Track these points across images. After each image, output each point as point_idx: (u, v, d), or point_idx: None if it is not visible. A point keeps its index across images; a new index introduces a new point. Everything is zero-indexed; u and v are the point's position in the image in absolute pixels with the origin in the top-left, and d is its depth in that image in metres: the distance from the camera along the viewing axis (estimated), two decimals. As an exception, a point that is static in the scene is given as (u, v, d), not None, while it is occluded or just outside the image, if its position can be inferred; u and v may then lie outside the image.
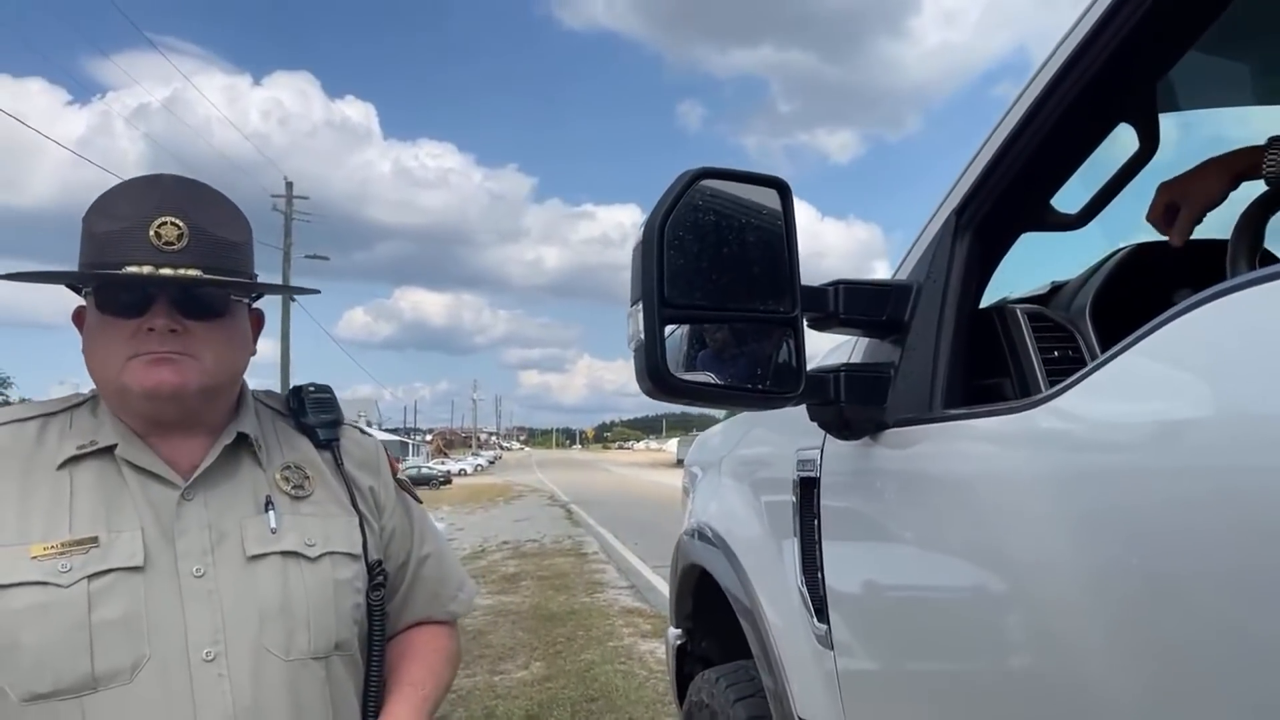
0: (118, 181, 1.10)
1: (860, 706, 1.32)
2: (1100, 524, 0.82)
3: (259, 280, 1.15)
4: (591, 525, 18.26)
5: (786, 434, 1.63)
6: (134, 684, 1.01)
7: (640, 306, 1.06)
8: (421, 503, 1.38)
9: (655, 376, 1.06)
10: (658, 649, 6.57)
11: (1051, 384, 1.17)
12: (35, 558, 1.01)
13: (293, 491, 1.17)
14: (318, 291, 1.24)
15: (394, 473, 1.32)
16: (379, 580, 1.20)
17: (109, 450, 1.09)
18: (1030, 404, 0.95)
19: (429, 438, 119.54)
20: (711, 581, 2.03)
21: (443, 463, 65.38)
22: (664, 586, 9.53)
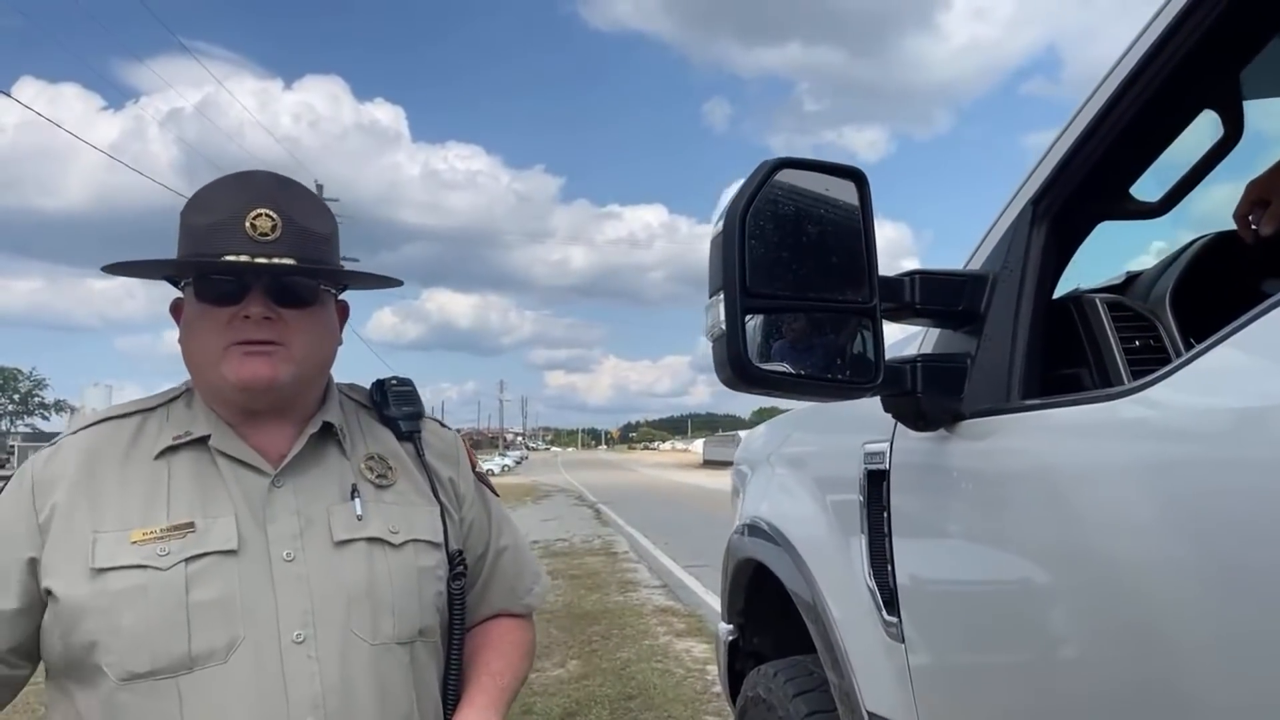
0: (211, 180, 1.14)
1: (934, 699, 1.31)
2: (1191, 516, 0.81)
3: (345, 270, 1.17)
4: (620, 525, 18.28)
5: (848, 428, 1.62)
6: (228, 664, 1.03)
7: (721, 296, 1.06)
8: (499, 496, 1.39)
9: (737, 366, 1.06)
10: (694, 648, 6.56)
11: (1135, 374, 1.16)
12: (135, 542, 1.05)
13: (376, 480, 1.19)
14: (400, 283, 1.26)
15: (472, 465, 1.33)
16: (459, 570, 1.22)
17: (203, 440, 1.12)
18: (1118, 394, 0.94)
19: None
20: (764, 577, 2.03)
21: (470, 463, 65.68)
22: (697, 586, 9.53)
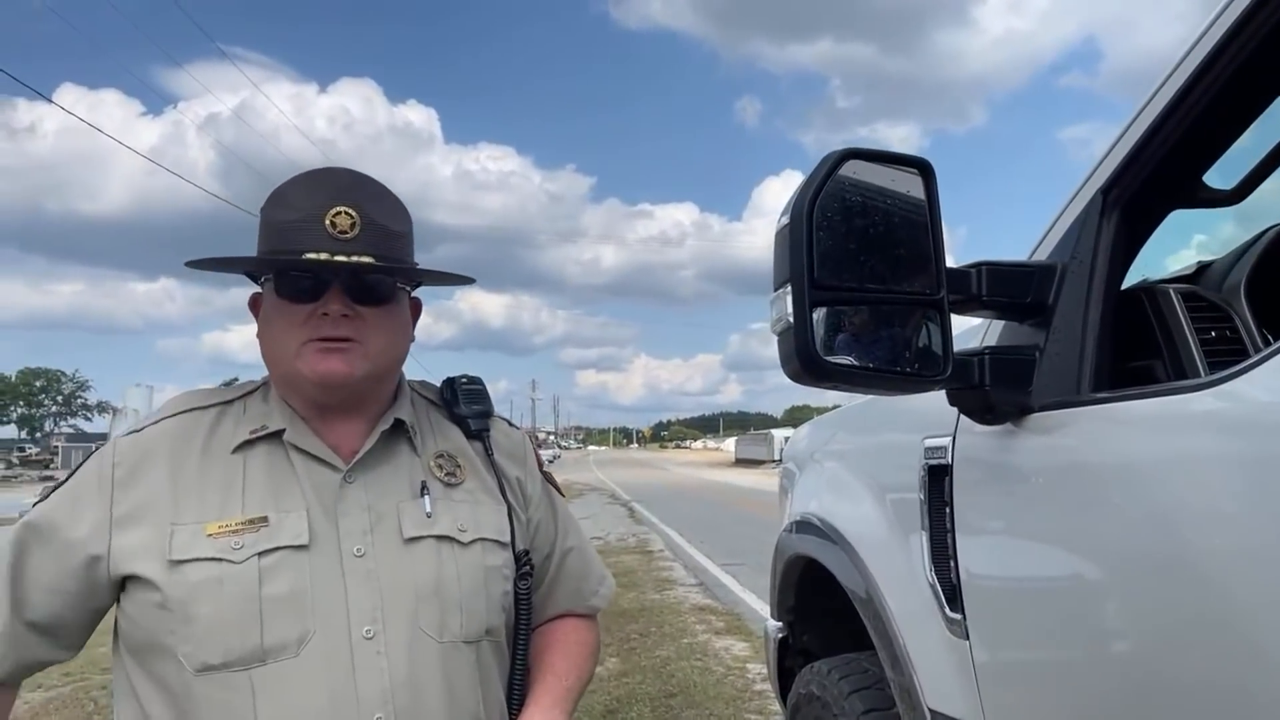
0: (290, 178, 1.15)
1: (1001, 697, 1.29)
2: (1274, 512, 0.79)
3: (421, 268, 1.18)
4: (655, 523, 18.27)
5: (905, 424, 1.61)
6: (299, 657, 1.04)
7: (788, 289, 1.05)
8: (565, 496, 1.39)
9: (806, 360, 1.05)
10: (733, 646, 6.55)
11: (1211, 367, 1.13)
12: (210, 535, 1.06)
13: (445, 478, 1.19)
14: (473, 280, 1.27)
15: (539, 465, 1.34)
16: (526, 569, 1.22)
17: (278, 435, 1.13)
18: (1198, 386, 0.92)
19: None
20: (815, 575, 2.02)
21: (503, 462, 66.10)
22: (734, 584, 9.50)
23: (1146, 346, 1.23)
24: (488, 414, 1.28)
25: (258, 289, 1.15)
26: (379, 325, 1.12)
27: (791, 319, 1.05)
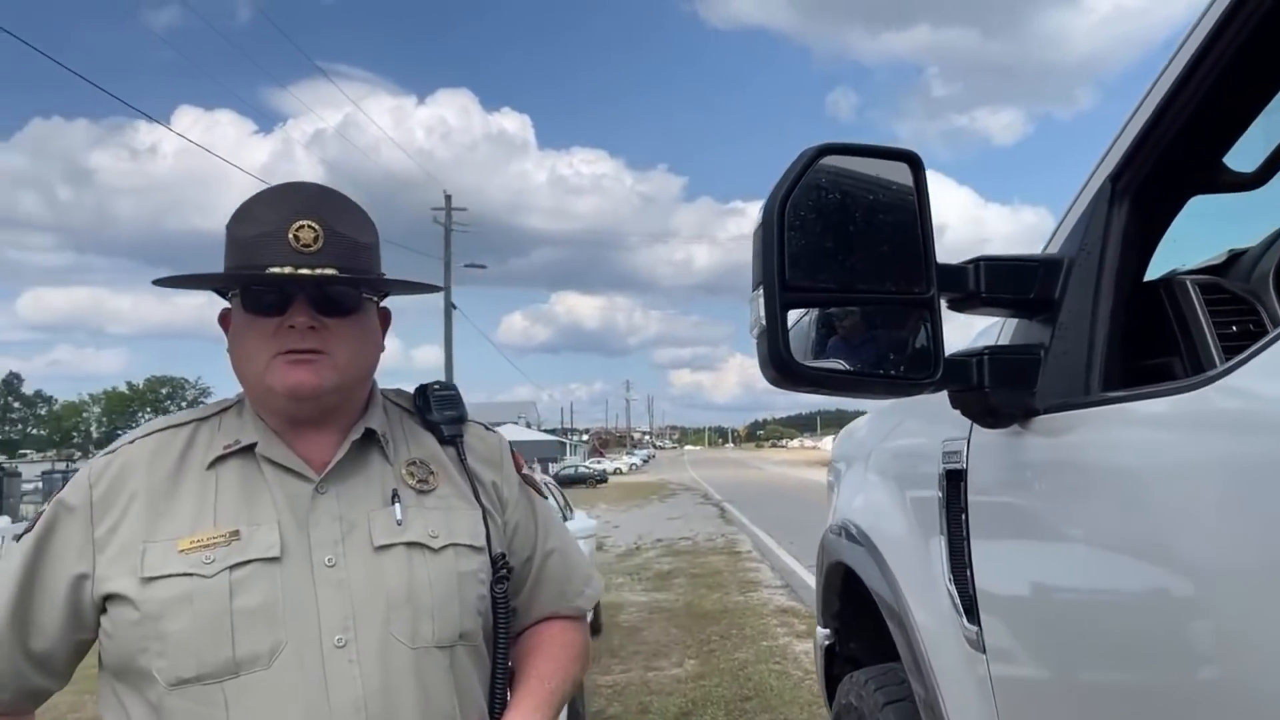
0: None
1: (1017, 715, 1.22)
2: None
3: (386, 278, 1.19)
4: (745, 524, 18.16)
5: (933, 424, 1.54)
6: (271, 669, 1.06)
7: (761, 292, 1.02)
8: (547, 498, 1.38)
9: (779, 364, 1.02)
10: (812, 649, 6.44)
11: (1228, 361, 1.05)
12: (182, 551, 1.08)
13: (418, 485, 1.20)
14: (440, 288, 1.27)
15: (518, 468, 1.33)
16: (503, 573, 1.22)
17: (251, 448, 1.15)
18: (1200, 382, 0.85)
19: (585, 437, 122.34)
20: (858, 580, 1.96)
21: (598, 462, 66.73)
22: (819, 586, 9.35)
23: (1168, 342, 1.14)
24: (461, 419, 1.28)
25: (228, 305, 1.18)
26: (346, 336, 1.13)
27: (764, 322, 1.02)
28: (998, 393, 1.12)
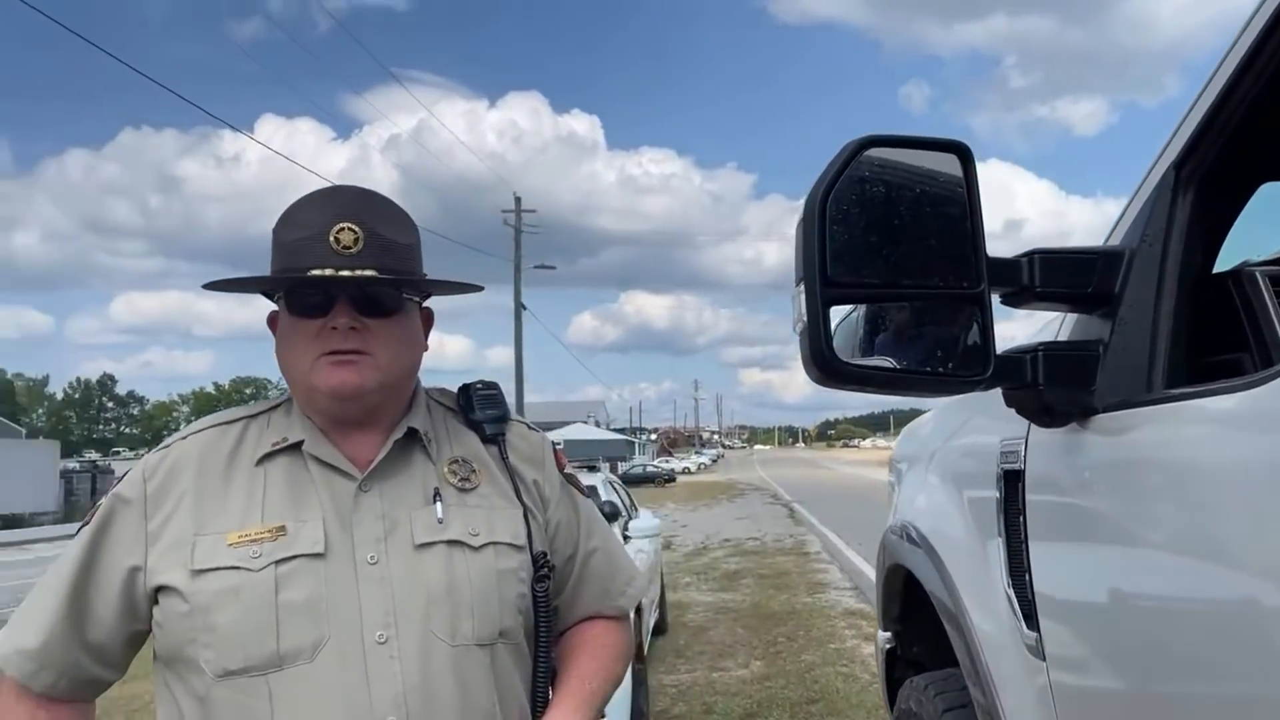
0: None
1: (1079, 725, 1.18)
2: None
3: (426, 278, 1.21)
4: (814, 524, 17.95)
5: (997, 421, 1.50)
6: (314, 663, 1.08)
7: (802, 287, 1.00)
8: (589, 497, 1.38)
9: (820, 362, 1.00)
10: (881, 653, 6.33)
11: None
12: (231, 545, 1.11)
13: (459, 484, 1.21)
14: (481, 288, 1.28)
15: (561, 467, 1.33)
16: (544, 572, 1.22)
17: (298, 446, 1.18)
18: (1271, 377, 0.81)
19: (653, 437, 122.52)
20: (918, 583, 1.91)
21: (666, 461, 66.74)
22: (889, 588, 9.19)
23: (1238, 337, 1.09)
24: (502, 418, 1.28)
25: (275, 307, 1.20)
26: (387, 337, 1.15)
27: (805, 319, 1.00)
28: (1053, 391, 1.08)
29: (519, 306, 31.39)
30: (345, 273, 1.10)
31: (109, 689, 1.23)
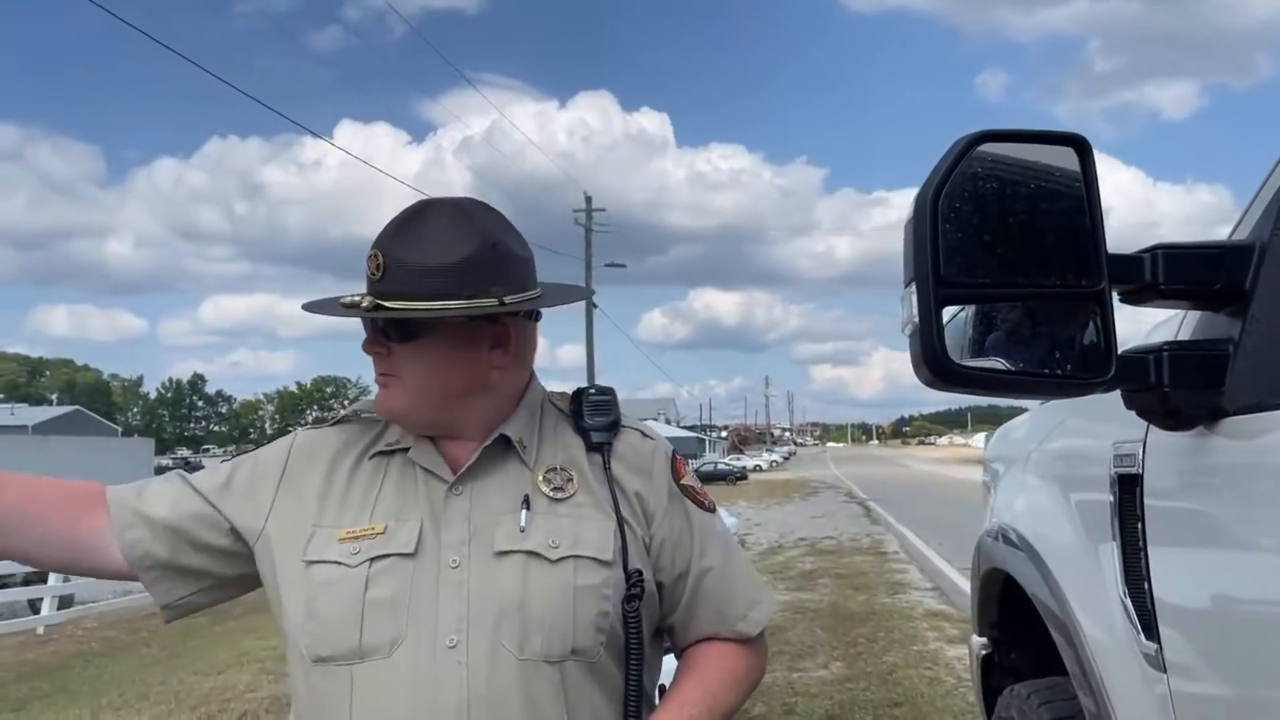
0: None
1: (1204, 741, 1.13)
2: None
3: (436, 308, 1.14)
4: (891, 523, 17.66)
5: (1101, 423, 1.44)
6: (390, 659, 1.11)
7: (914, 288, 0.98)
8: (714, 511, 1.31)
9: (933, 364, 0.97)
10: (966, 655, 6.18)
11: None
12: (341, 540, 1.16)
13: (552, 493, 1.19)
14: (509, 308, 1.22)
15: (679, 478, 1.28)
16: (635, 590, 1.17)
17: (407, 450, 1.22)
18: None
19: (723, 434, 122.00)
20: (1018, 588, 1.86)
21: (738, 458, 66.39)
22: (972, 590, 8.97)
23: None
24: (612, 425, 1.25)
25: None
26: (413, 359, 1.17)
27: (917, 320, 0.98)
28: (1180, 393, 1.03)
29: (590, 305, 31.62)
30: (365, 302, 1.14)
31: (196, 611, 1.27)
